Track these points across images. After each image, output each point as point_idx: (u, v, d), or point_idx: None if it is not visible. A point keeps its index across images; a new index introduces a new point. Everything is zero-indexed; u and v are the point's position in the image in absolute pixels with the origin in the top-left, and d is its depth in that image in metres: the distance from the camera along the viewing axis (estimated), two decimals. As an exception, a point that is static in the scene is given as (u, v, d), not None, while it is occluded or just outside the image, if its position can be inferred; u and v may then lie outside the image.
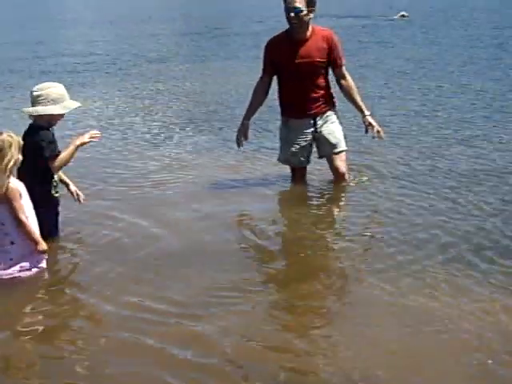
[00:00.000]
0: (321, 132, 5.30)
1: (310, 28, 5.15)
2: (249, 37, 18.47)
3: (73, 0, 46.25)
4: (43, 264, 4.01)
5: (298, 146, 5.32)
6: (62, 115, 4.37)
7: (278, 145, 5.62)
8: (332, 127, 5.33)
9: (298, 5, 4.97)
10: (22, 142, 3.88)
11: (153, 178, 5.94)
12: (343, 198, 5.46)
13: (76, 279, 4.09)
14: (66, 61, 14.78)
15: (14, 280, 3.87)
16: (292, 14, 5.00)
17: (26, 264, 3.91)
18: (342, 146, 5.37)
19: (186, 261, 4.16)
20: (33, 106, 4.30)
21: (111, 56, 15.43)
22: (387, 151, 6.43)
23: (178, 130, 7.91)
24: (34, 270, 3.95)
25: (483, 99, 9.11)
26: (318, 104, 5.25)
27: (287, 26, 5.20)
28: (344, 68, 5.29)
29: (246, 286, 3.79)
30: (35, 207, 4.01)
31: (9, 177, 3.83)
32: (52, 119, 4.35)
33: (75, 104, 4.41)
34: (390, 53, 14.42)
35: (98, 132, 4.50)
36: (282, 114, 5.41)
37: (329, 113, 5.32)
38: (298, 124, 5.30)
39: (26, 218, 3.88)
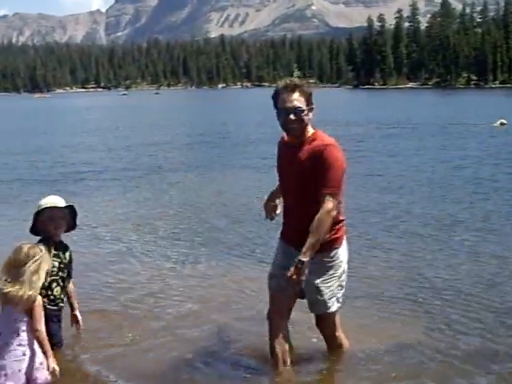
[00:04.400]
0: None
1: (310, 130, 3.88)
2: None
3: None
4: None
5: (277, 269, 4.01)
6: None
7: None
8: (317, 281, 3.85)
9: (298, 104, 3.76)
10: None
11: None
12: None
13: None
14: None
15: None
16: (292, 117, 3.78)
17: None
18: (324, 308, 3.93)
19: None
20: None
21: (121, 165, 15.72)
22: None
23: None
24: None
25: None
26: (305, 236, 3.69)
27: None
28: (327, 197, 3.68)
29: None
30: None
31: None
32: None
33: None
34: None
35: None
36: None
37: (321, 255, 3.78)
38: (283, 247, 4.05)
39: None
